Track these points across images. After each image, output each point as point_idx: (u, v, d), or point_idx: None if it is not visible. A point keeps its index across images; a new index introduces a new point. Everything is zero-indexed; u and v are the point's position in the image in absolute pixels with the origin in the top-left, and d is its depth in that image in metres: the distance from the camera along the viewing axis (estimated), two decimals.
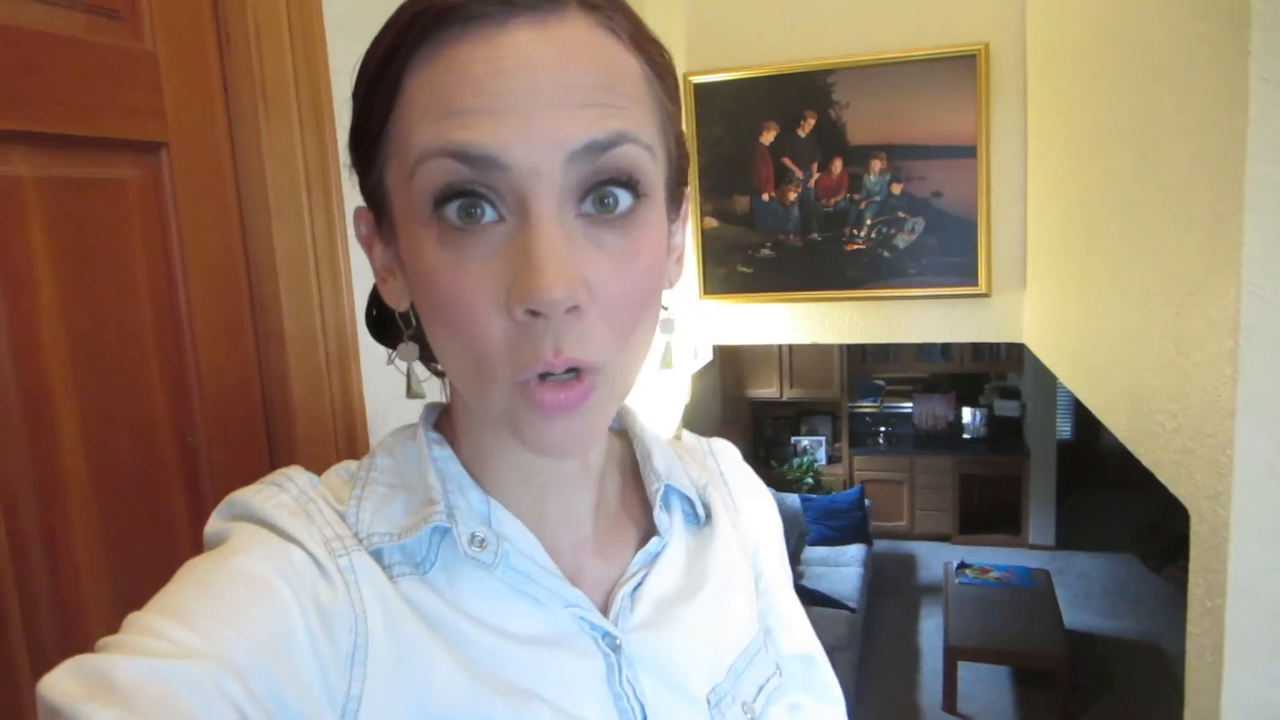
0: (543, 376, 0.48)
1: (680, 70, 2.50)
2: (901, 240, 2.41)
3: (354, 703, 0.49)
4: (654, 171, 0.50)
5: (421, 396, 0.60)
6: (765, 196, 2.51)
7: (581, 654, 0.56)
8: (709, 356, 5.87)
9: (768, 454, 7.19)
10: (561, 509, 0.60)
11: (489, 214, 0.47)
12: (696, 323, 2.62)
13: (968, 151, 2.31)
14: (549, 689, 0.54)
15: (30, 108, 0.86)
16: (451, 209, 0.47)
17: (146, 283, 0.96)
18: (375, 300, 0.62)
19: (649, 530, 0.64)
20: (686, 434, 0.75)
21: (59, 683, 0.41)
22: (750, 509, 0.72)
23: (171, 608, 0.46)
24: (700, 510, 0.66)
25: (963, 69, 2.27)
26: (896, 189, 2.39)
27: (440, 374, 0.62)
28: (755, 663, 0.65)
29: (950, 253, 2.37)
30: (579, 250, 0.47)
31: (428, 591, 0.53)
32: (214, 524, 0.53)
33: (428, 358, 0.59)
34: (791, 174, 2.49)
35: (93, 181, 0.93)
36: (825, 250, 2.49)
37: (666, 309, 0.57)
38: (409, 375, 0.59)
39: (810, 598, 4.97)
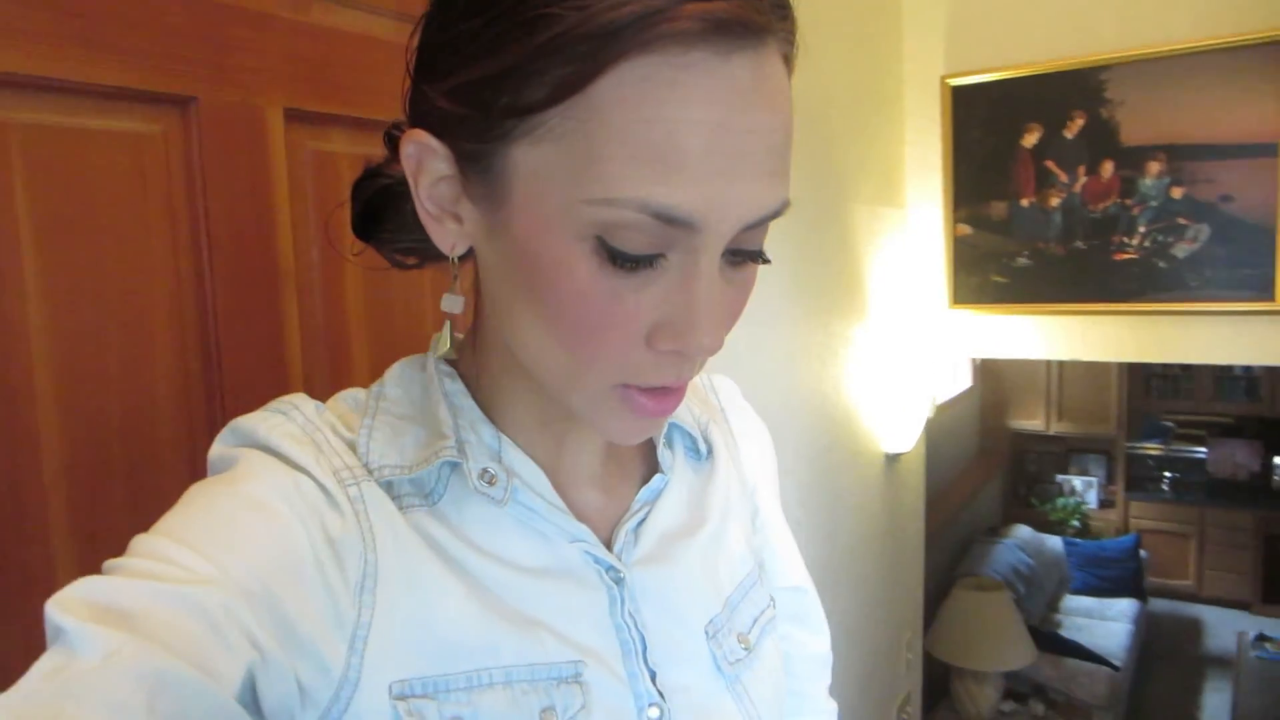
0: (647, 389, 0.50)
1: (938, 73, 2.44)
2: (1181, 249, 2.20)
3: (363, 629, 0.49)
4: None
5: (453, 357, 0.61)
6: (1024, 202, 2.39)
7: (586, 586, 0.58)
8: (967, 383, 5.58)
9: (1029, 491, 6.70)
10: (575, 451, 0.61)
11: (654, 254, 0.46)
12: (943, 332, 2.52)
13: (1268, 150, 2.07)
14: (554, 618, 0.55)
15: (347, 95, 1.02)
16: (624, 256, 0.45)
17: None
18: (374, 203, 0.61)
19: (653, 466, 0.65)
20: None
21: (68, 604, 0.41)
22: (749, 445, 0.74)
23: (180, 532, 0.46)
24: (702, 446, 0.68)
25: (1267, 57, 2.04)
26: (1177, 193, 2.19)
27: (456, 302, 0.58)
28: (750, 595, 0.67)
29: (1242, 264, 2.13)
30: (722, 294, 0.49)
31: (436, 523, 0.54)
32: (218, 449, 0.54)
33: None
34: (1055, 178, 2.34)
35: None
36: (1090, 259, 2.32)
37: None
38: (446, 331, 0.60)
39: (1066, 648, 4.58)
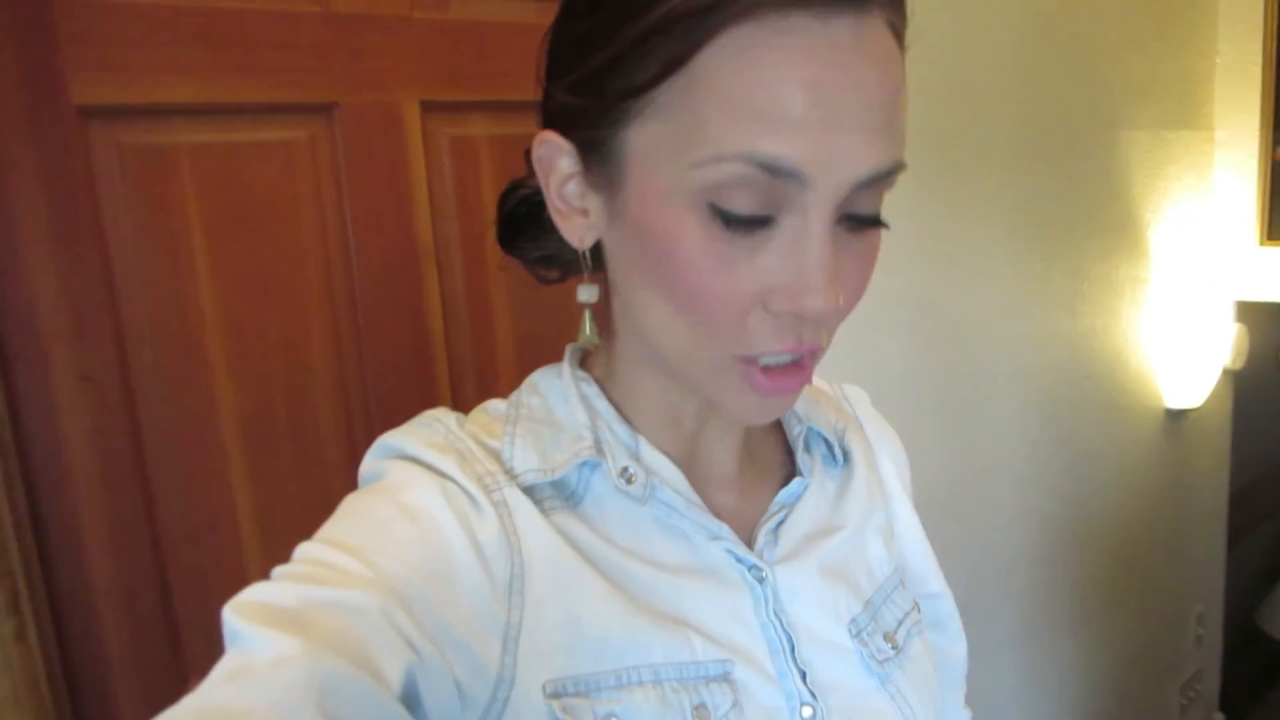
0: (761, 362, 0.50)
1: None
2: None
3: (514, 629, 0.51)
4: None
5: (596, 344, 0.62)
6: None
7: (729, 585, 0.58)
8: None
9: None
10: (708, 450, 0.61)
11: (764, 214, 0.46)
12: (1249, 273, 2.15)
13: None
14: (699, 617, 0.56)
15: (484, 82, 1.10)
16: (735, 217, 0.46)
17: None
18: (517, 213, 0.62)
19: (790, 472, 0.65)
20: (818, 379, 0.74)
21: (242, 609, 0.43)
22: (884, 454, 0.72)
23: (339, 539, 0.48)
24: (839, 453, 0.67)
25: None
26: None
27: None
28: (893, 598, 0.66)
29: None
30: (837, 258, 0.48)
31: (579, 524, 0.55)
32: (368, 464, 0.56)
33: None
34: None
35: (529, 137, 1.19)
36: None
37: None
38: (586, 321, 0.61)
39: None
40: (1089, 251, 1.89)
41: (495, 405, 0.61)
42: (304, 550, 0.48)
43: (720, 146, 0.44)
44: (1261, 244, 2.12)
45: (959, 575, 1.67)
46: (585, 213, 0.54)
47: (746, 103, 0.44)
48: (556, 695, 0.51)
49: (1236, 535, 3.09)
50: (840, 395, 0.76)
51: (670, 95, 0.46)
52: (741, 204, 0.46)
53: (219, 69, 0.94)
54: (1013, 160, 1.68)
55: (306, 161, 1.01)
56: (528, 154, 0.60)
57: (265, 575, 1.02)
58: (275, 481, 1.03)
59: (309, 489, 1.05)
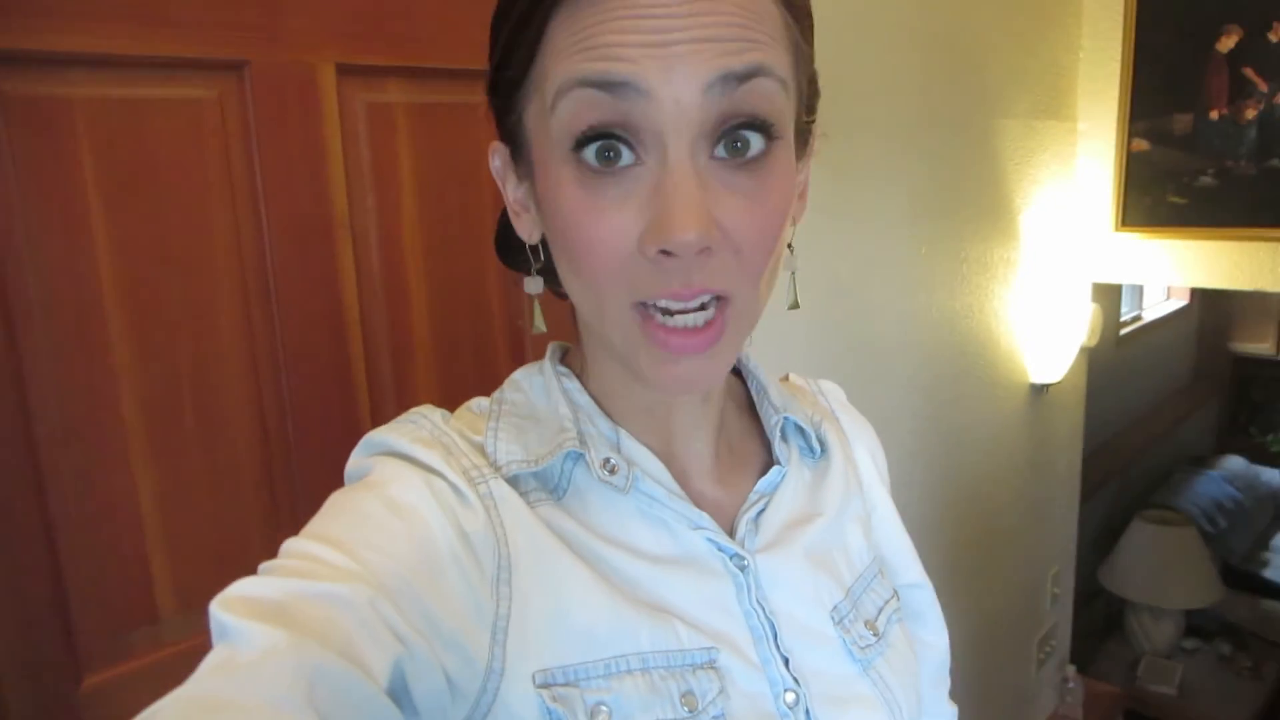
0: (666, 313, 0.50)
1: None
2: None
3: (503, 620, 0.51)
4: (786, 110, 0.51)
5: (542, 331, 0.63)
6: (1214, 115, 2.11)
7: (711, 574, 0.58)
8: (1180, 301, 5.08)
9: (1249, 419, 6.08)
10: (684, 440, 0.62)
11: (626, 156, 0.48)
12: (1105, 257, 2.31)
13: None
14: (684, 606, 0.56)
15: (403, 46, 1.07)
16: (590, 150, 0.47)
17: (490, 189, 1.17)
18: (505, 228, 0.64)
19: (767, 462, 0.66)
20: (793, 375, 0.77)
21: (229, 603, 0.44)
22: (860, 445, 0.74)
23: (326, 534, 0.49)
24: (816, 444, 0.69)
25: None
26: None
27: (562, 296, 0.62)
28: (873, 586, 0.68)
29: None
30: (712, 193, 0.48)
31: (563, 515, 0.56)
32: (354, 461, 0.57)
33: (554, 283, 0.60)
34: (1253, 87, 2.05)
35: (449, 106, 1.14)
36: None
37: (791, 248, 0.59)
38: (533, 310, 0.62)
39: (1266, 588, 4.22)
40: (968, 235, 1.99)
41: (479, 403, 0.61)
42: (290, 546, 0.49)
43: (561, 80, 0.47)
44: (1116, 230, 2.28)
45: None
46: (529, 209, 0.56)
47: (578, 44, 0.46)
48: (546, 685, 0.51)
49: (1081, 499, 3.35)
50: (815, 390, 0.78)
51: (534, 69, 0.49)
52: (591, 126, 0.47)
53: (122, 17, 0.87)
54: (902, 146, 1.75)
55: (214, 122, 0.95)
56: None
57: (169, 561, 0.97)
58: (180, 461, 0.97)
59: (216, 468, 1.00)
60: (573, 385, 0.61)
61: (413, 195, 1.12)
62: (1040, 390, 2.36)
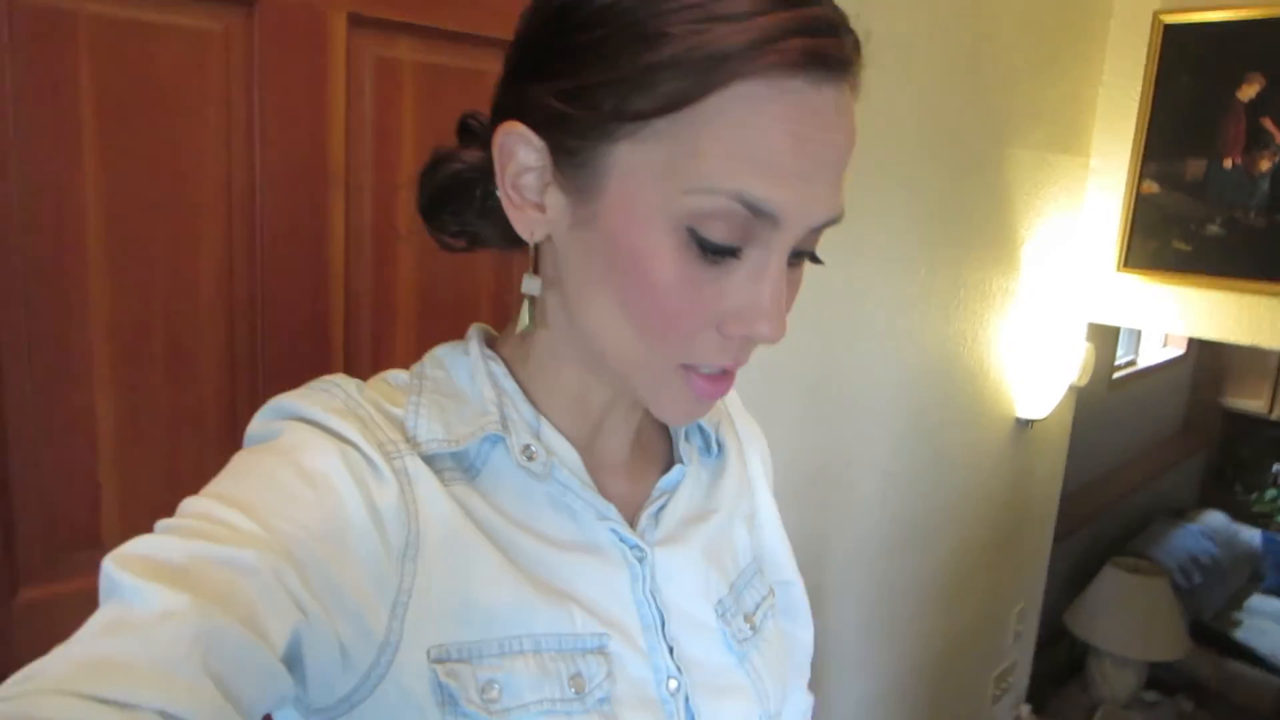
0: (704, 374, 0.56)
1: (1151, 7, 2.16)
2: None
3: (404, 595, 0.52)
4: None
5: (528, 327, 0.62)
6: (1228, 163, 2.11)
7: (611, 563, 0.61)
8: (1176, 350, 5.07)
9: (1234, 475, 6.08)
10: (605, 437, 0.65)
11: (736, 245, 0.51)
12: (1104, 297, 2.31)
13: None
14: (583, 591, 0.59)
15: (419, 2, 1.06)
16: (707, 247, 0.50)
17: None
18: (439, 182, 0.62)
19: (670, 459, 0.71)
20: None
21: (125, 560, 0.43)
22: (751, 448, 0.79)
23: (230, 496, 0.48)
24: (714, 444, 0.73)
25: None
26: None
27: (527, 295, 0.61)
28: (753, 583, 0.72)
29: None
30: None
31: (475, 496, 0.57)
32: (258, 424, 0.56)
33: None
34: (1270, 138, 2.05)
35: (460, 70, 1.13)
36: None
37: None
38: (525, 311, 0.61)
39: (1234, 649, 4.22)
40: (969, 261, 1.99)
41: (396, 375, 0.61)
42: (192, 504, 0.48)
43: (715, 180, 0.48)
44: (1118, 270, 2.28)
45: (814, 561, 1.74)
46: (542, 209, 0.55)
47: (745, 147, 0.48)
48: (440, 660, 0.52)
49: (1054, 540, 3.34)
50: None
51: (671, 126, 0.49)
52: (720, 235, 0.50)
53: None
54: (911, 168, 1.74)
55: (218, 55, 0.95)
56: (467, 129, 0.62)
57: (119, 489, 0.96)
58: (143, 391, 0.96)
59: (179, 404, 0.99)
60: (499, 369, 0.62)
61: (412, 155, 1.11)
62: (1025, 425, 2.35)
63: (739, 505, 0.74)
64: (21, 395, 0.89)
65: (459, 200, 0.62)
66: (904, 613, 2.10)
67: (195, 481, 1.00)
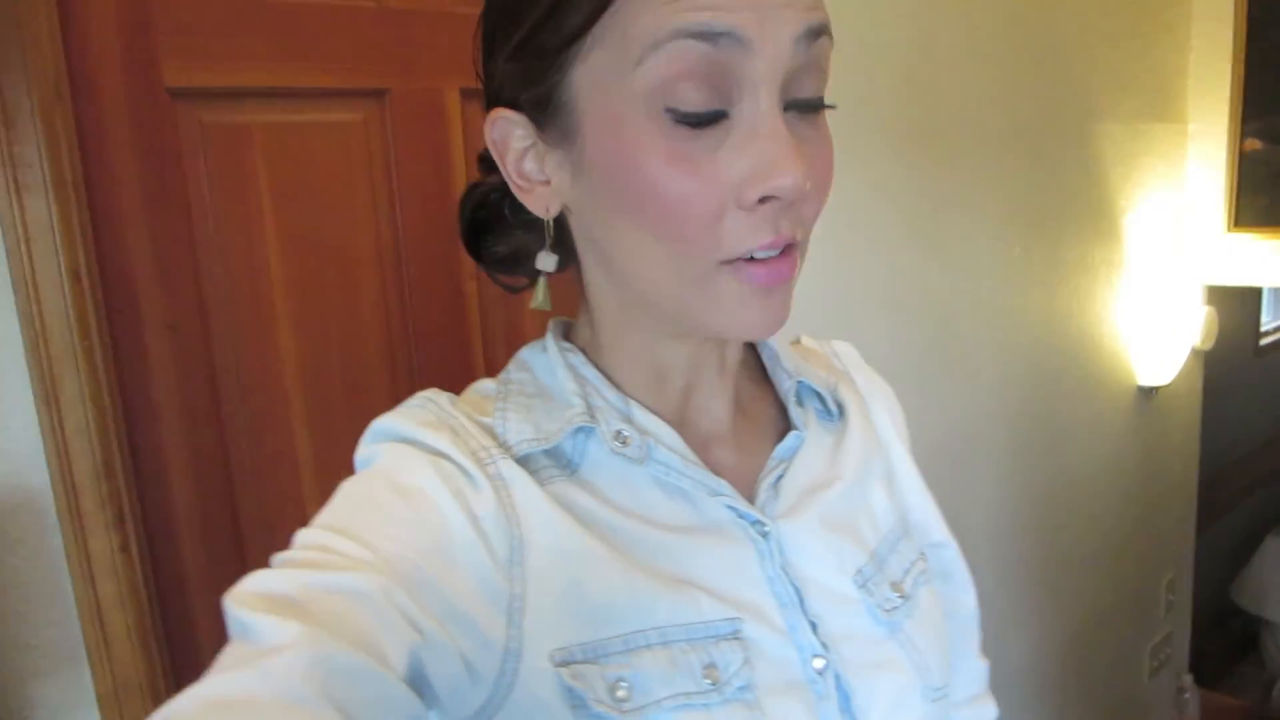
0: (750, 258, 0.50)
1: None
2: None
3: (518, 601, 0.51)
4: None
5: (547, 308, 0.62)
6: None
7: (732, 541, 0.58)
8: None
9: None
10: (700, 407, 0.62)
11: (717, 107, 0.48)
12: (1218, 258, 2.29)
13: None
14: (705, 576, 0.55)
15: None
16: (689, 102, 0.47)
17: None
18: (474, 215, 0.63)
19: (784, 428, 0.65)
20: (805, 338, 0.77)
21: (242, 598, 0.43)
22: (878, 406, 0.73)
23: (336, 523, 0.48)
24: (833, 406, 0.68)
25: None
26: None
27: (560, 270, 0.61)
28: (898, 548, 0.66)
29: None
30: (797, 140, 0.49)
31: (578, 490, 0.55)
32: (362, 450, 0.56)
33: (567, 260, 0.61)
34: None
35: None
36: None
37: None
38: (541, 287, 0.61)
39: None
40: (1066, 237, 2.03)
41: (485, 385, 0.61)
42: (302, 536, 0.48)
43: (654, 34, 0.46)
44: (1229, 230, 2.26)
45: None
46: (546, 182, 0.55)
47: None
48: (565, 664, 0.51)
49: (1213, 515, 3.24)
50: (830, 352, 0.76)
51: (603, 27, 0.48)
52: (692, 95, 0.47)
53: (286, 57, 1.07)
54: (995, 152, 1.81)
55: (360, 141, 1.14)
56: (483, 163, 0.62)
57: (320, 506, 1.16)
58: (329, 424, 1.16)
59: (358, 429, 1.18)
60: (577, 359, 0.60)
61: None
62: (1149, 393, 2.34)
63: (871, 466, 0.68)
64: (238, 436, 1.10)
65: (494, 221, 0.62)
66: (1042, 581, 2.13)
67: None
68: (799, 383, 0.66)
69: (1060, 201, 2.00)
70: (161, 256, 1.02)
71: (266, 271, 1.09)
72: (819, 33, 0.49)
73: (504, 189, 0.58)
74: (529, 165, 0.55)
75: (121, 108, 0.98)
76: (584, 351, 0.61)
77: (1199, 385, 2.56)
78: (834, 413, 0.68)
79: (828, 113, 0.54)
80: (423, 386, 1.21)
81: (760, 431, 0.65)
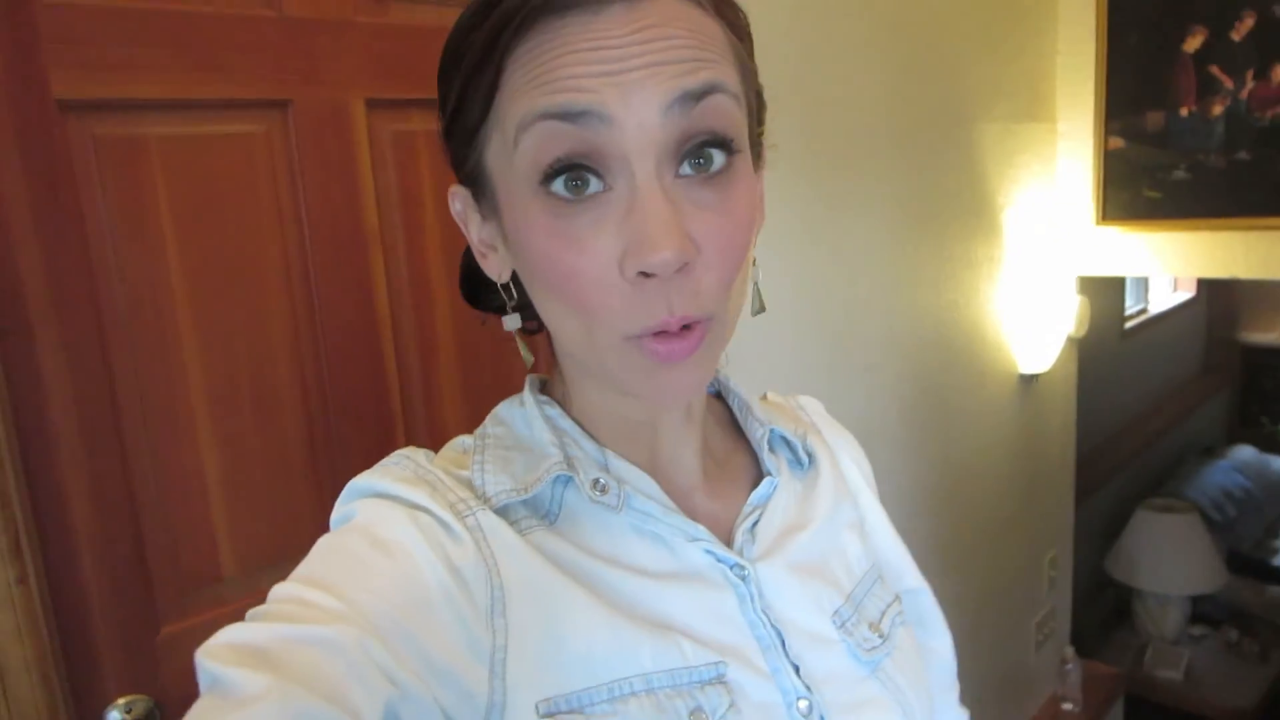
0: (656, 333, 0.51)
1: None
2: None
3: (500, 652, 0.50)
4: (741, 124, 0.52)
5: (530, 361, 0.63)
6: (1184, 111, 2.24)
7: (713, 586, 0.58)
8: (1186, 294, 5.16)
9: (1260, 409, 6.13)
10: (670, 457, 0.62)
11: (594, 184, 0.49)
12: (1088, 250, 2.44)
13: None
14: (687, 621, 0.56)
15: (424, 81, 1.21)
16: (559, 182, 0.48)
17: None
18: (470, 271, 0.65)
19: (757, 476, 0.67)
20: (771, 394, 0.79)
21: (214, 651, 0.43)
22: (845, 455, 0.75)
23: (312, 577, 0.48)
24: (803, 455, 0.69)
25: None
26: None
27: (533, 331, 0.63)
28: (874, 591, 0.68)
29: None
30: (682, 211, 0.49)
31: (557, 539, 0.55)
32: (340, 508, 0.56)
33: (529, 318, 0.62)
34: (1219, 84, 2.18)
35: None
36: (1255, 171, 2.16)
37: (754, 260, 0.59)
38: (521, 347, 0.62)
39: (1274, 575, 4.30)
40: (951, 234, 2.13)
41: (462, 440, 0.62)
42: (278, 591, 0.48)
43: (523, 118, 0.48)
44: (1098, 224, 2.41)
45: None
46: (495, 249, 0.58)
47: (537, 79, 0.48)
48: (551, 715, 0.50)
49: (1087, 491, 3.45)
50: (796, 405, 0.79)
51: (495, 114, 0.51)
52: (563, 174, 0.48)
53: (184, 68, 1.04)
54: (884, 155, 1.89)
55: (263, 153, 1.12)
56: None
57: (230, 529, 1.13)
58: (238, 444, 1.13)
59: (269, 453, 1.15)
60: (554, 411, 0.61)
61: (434, 212, 1.28)
62: (1029, 380, 2.48)
63: (841, 512, 0.70)
64: (142, 459, 1.06)
65: (482, 279, 0.63)
66: (935, 566, 2.23)
67: (291, 512, 1.17)
68: (770, 430, 0.68)
69: (944, 200, 2.10)
70: (55, 275, 0.98)
71: (169, 289, 1.06)
72: (701, 95, 0.48)
73: None
74: (485, 234, 0.58)
75: (5, 120, 0.94)
76: (560, 404, 0.62)
77: (1074, 370, 2.72)
78: (804, 461, 0.70)
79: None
80: (334, 399, 1.20)
81: (734, 480, 0.66)
